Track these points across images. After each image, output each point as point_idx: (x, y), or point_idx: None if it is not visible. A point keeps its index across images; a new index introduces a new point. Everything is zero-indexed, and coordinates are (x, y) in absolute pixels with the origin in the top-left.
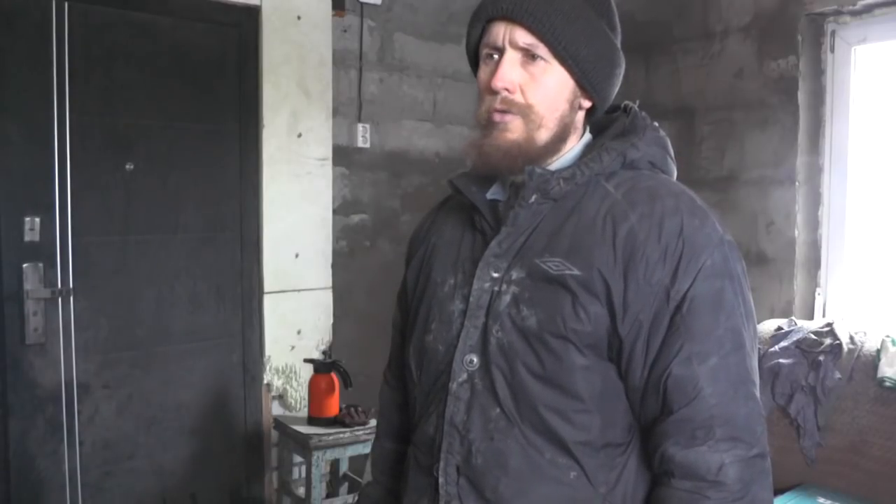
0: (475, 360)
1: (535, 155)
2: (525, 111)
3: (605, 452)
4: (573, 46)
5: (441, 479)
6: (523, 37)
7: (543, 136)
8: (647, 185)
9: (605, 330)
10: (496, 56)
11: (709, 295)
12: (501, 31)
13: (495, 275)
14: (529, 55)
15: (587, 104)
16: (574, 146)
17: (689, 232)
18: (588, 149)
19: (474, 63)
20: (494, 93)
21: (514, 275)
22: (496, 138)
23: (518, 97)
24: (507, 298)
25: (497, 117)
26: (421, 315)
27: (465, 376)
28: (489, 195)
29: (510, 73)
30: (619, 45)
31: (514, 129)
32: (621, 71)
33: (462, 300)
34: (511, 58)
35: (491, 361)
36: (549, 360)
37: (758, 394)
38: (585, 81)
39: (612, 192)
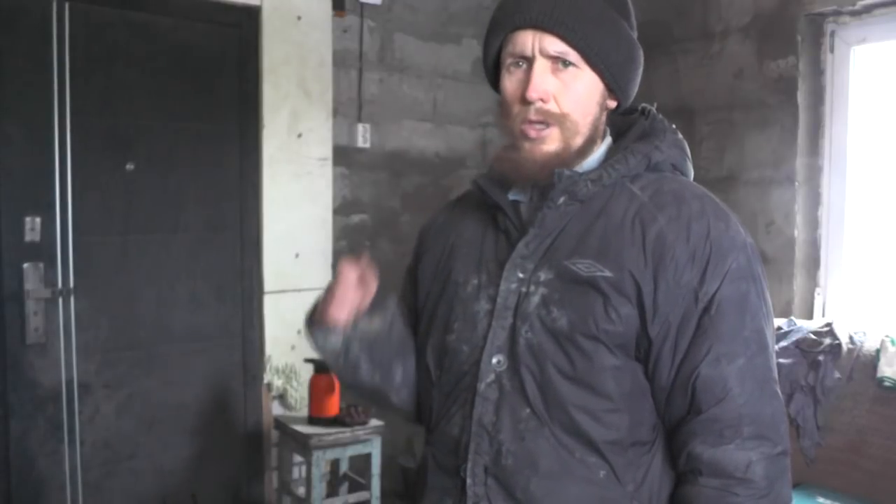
0: (503, 360)
1: (571, 161)
2: (561, 120)
3: (633, 451)
4: (604, 52)
5: (469, 480)
6: (554, 45)
7: (578, 141)
8: (672, 188)
9: (634, 331)
10: (523, 64)
11: (735, 297)
12: (529, 40)
13: (521, 275)
14: (559, 62)
15: (612, 105)
16: (599, 148)
17: (716, 235)
18: (610, 151)
19: (492, 71)
20: (527, 103)
21: (542, 276)
22: (532, 152)
23: (552, 106)
24: (535, 299)
25: (533, 133)
26: (440, 315)
27: (492, 377)
28: (510, 196)
29: (543, 83)
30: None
31: (551, 140)
32: (641, 69)
33: (488, 300)
34: (542, 66)
35: (520, 362)
36: (579, 361)
37: (780, 392)
38: (614, 84)
39: (639, 194)
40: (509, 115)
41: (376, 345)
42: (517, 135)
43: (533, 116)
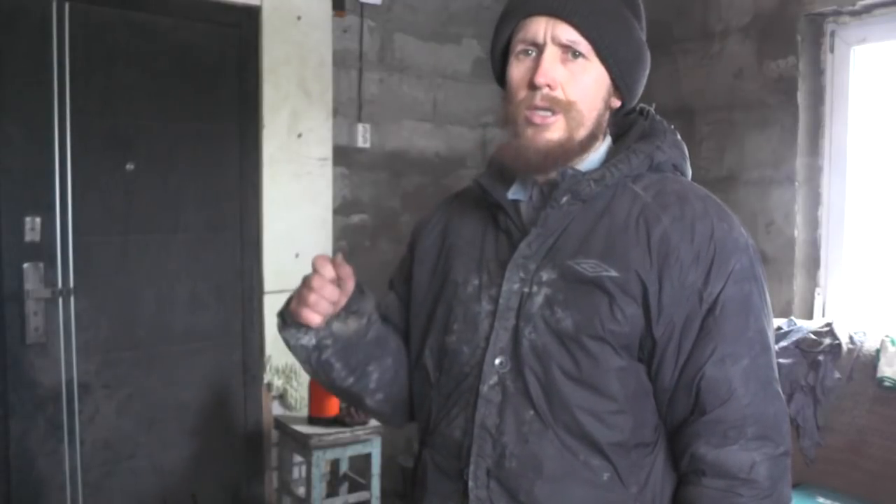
0: (505, 362)
1: (574, 154)
2: (567, 108)
3: (636, 453)
4: (615, 46)
5: (471, 483)
6: (567, 33)
7: (582, 134)
8: (675, 189)
9: (639, 331)
10: (532, 52)
11: (739, 298)
12: (542, 27)
13: (523, 276)
14: (570, 52)
15: (617, 104)
16: (600, 147)
17: (720, 236)
18: (611, 151)
19: (500, 58)
20: (534, 89)
21: (545, 276)
22: (535, 139)
23: (559, 94)
24: (539, 300)
25: (538, 118)
26: (439, 315)
27: (495, 379)
28: (510, 195)
29: (553, 70)
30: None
31: (555, 129)
32: (648, 72)
33: (490, 301)
34: (552, 54)
35: (523, 363)
36: (585, 362)
37: (781, 392)
38: (621, 81)
39: (642, 194)
40: (513, 101)
41: (350, 347)
42: (520, 121)
43: (539, 102)
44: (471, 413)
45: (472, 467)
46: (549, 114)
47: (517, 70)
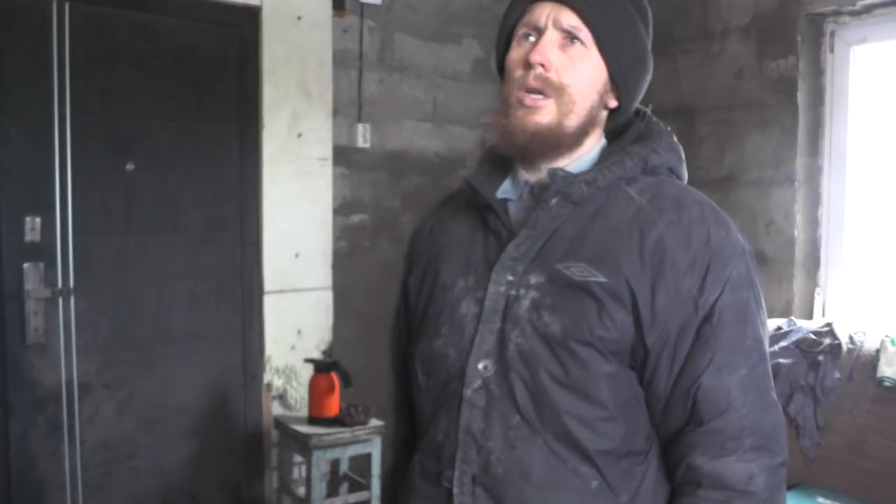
0: (490, 366)
1: (562, 141)
2: (559, 91)
3: (627, 461)
4: (616, 39)
5: (455, 490)
6: (569, 18)
7: (573, 122)
8: (672, 193)
9: (630, 338)
10: (533, 37)
11: (735, 306)
12: (546, 12)
13: (511, 278)
14: (570, 38)
15: (613, 104)
16: (593, 148)
17: (717, 241)
18: (605, 153)
19: (505, 47)
20: (528, 68)
21: (533, 279)
22: (524, 119)
23: (553, 76)
24: (526, 303)
25: (528, 100)
26: (429, 318)
27: (479, 382)
28: (500, 194)
29: (549, 50)
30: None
31: (545, 112)
32: (649, 79)
33: (475, 303)
34: (551, 37)
35: (509, 367)
36: (573, 368)
37: (778, 401)
38: (619, 78)
39: (636, 197)
40: (508, 82)
41: None
42: (512, 101)
43: (531, 82)
44: (454, 417)
45: (456, 473)
46: (540, 97)
47: (516, 52)
